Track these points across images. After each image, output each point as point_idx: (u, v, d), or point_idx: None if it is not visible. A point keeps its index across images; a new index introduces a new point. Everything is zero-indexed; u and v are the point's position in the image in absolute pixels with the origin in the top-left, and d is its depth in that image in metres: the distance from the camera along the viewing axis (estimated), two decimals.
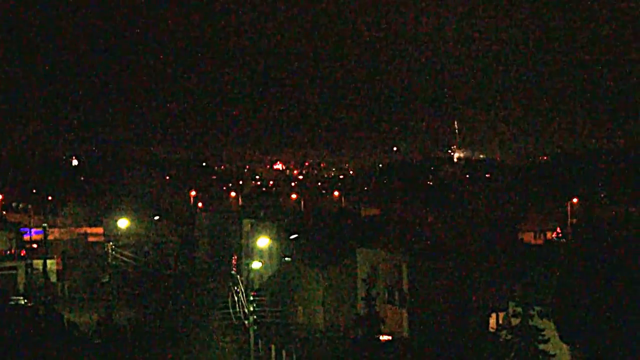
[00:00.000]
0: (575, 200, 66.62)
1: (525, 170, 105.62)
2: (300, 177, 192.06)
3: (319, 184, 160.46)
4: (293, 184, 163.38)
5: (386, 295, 37.71)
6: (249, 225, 58.05)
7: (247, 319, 32.36)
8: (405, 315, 36.43)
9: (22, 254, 51.66)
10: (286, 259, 46.96)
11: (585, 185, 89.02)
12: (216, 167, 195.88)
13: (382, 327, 29.58)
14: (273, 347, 33.57)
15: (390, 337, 35.01)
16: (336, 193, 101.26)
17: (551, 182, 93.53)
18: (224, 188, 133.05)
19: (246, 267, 53.35)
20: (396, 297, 37.78)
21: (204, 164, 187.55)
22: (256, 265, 47.32)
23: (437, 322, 35.95)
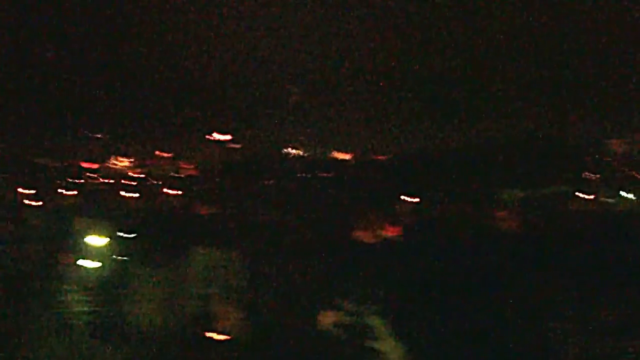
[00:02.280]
0: (410, 198, 67.85)
1: (362, 168, 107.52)
2: (142, 175, 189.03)
3: (161, 182, 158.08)
4: (134, 182, 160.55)
5: (222, 294, 37.53)
6: (83, 224, 56.63)
7: (80, 319, 31.67)
8: (241, 314, 36.29)
9: None
10: (121, 258, 46.19)
11: (421, 184, 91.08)
12: (49, 163, 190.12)
13: (217, 326, 29.47)
14: (106, 346, 32.87)
15: (225, 337, 34.85)
16: (176, 191, 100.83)
17: (388, 181, 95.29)
18: (58, 185, 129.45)
19: (79, 266, 52.06)
20: (232, 296, 37.66)
21: (35, 159, 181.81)
22: (90, 264, 46.35)
23: (272, 321, 36.07)
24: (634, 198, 65.32)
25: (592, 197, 68.51)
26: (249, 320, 33.37)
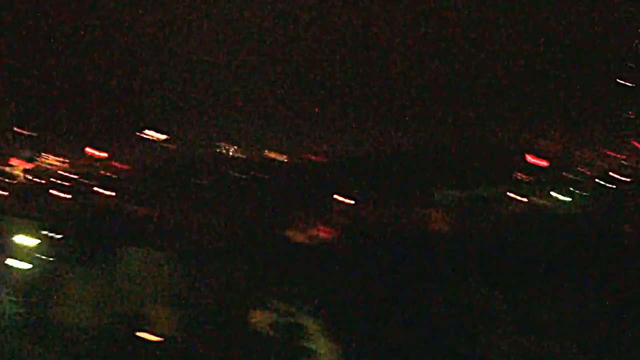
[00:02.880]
0: (345, 199, 67.70)
1: (297, 169, 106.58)
2: (74, 174, 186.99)
3: (93, 181, 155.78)
4: (66, 182, 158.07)
5: (154, 294, 37.23)
6: (13, 224, 55.72)
7: (9, 320, 31.21)
8: (174, 314, 36.03)
9: None
10: (51, 258, 45.63)
11: (355, 185, 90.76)
12: None
13: (150, 326, 29.20)
14: (36, 347, 32.52)
15: (157, 337, 34.57)
16: (109, 191, 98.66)
17: (322, 182, 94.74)
18: None
19: (9, 267, 51.25)
20: (165, 297, 37.39)
21: None
22: (19, 265, 45.69)
23: (205, 321, 35.85)
24: (564, 198, 65.99)
25: (524, 198, 68.87)
26: (182, 321, 32.99)
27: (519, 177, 77.40)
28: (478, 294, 29.70)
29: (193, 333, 33.42)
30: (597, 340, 29.50)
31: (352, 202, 76.19)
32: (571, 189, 71.99)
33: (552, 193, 69.81)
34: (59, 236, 48.43)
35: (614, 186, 76.56)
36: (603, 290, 30.91)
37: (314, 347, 24.92)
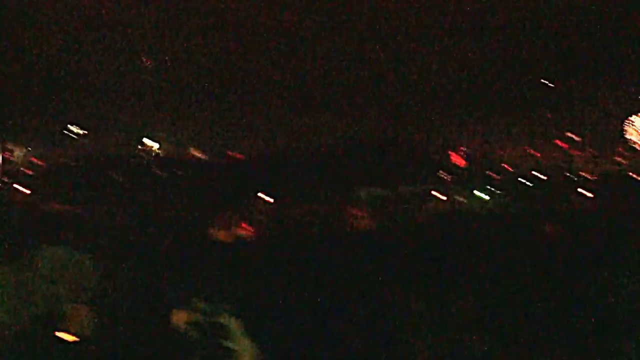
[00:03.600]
0: (267, 197, 67.66)
1: (218, 166, 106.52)
2: None
3: (7, 178, 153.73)
4: None
5: (71, 294, 36.57)
6: None
7: None
8: (92, 314, 35.44)
9: None
10: None
11: (277, 182, 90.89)
12: None
13: (67, 326, 28.65)
14: None
15: (75, 338, 33.98)
16: (25, 188, 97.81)
17: (244, 179, 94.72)
18: None
19: None
20: (83, 296, 36.74)
21: None
22: None
23: (125, 321, 35.34)
24: (485, 197, 66.95)
25: (446, 196, 69.70)
26: (101, 321, 32.52)
27: (441, 176, 78.55)
28: (398, 294, 29.79)
29: (113, 333, 32.90)
30: (516, 340, 29.81)
31: (274, 200, 76.31)
32: (493, 187, 73.11)
33: (474, 192, 70.81)
34: None
35: (536, 185, 77.91)
36: (522, 290, 31.25)
37: (235, 347, 24.66)
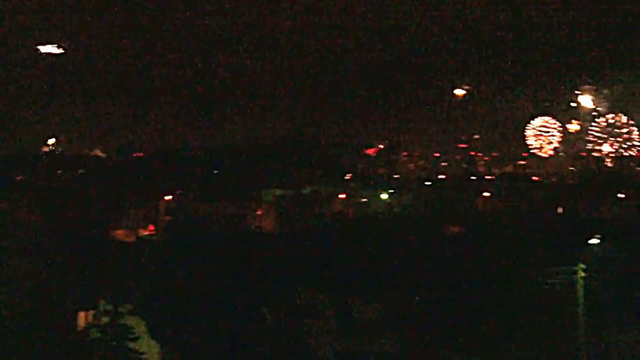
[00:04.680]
0: (169, 197, 67.06)
1: (120, 166, 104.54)
2: None
3: None
4: None
5: None
6: None
7: None
8: None
9: None
10: None
11: (180, 181, 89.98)
12: None
13: None
14: None
15: None
16: None
17: (146, 179, 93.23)
18: None
19: None
20: None
21: None
22: None
23: (25, 322, 34.48)
24: (387, 198, 67.41)
25: (350, 197, 69.68)
26: (2, 323, 31.44)
27: (345, 177, 77.78)
28: (302, 293, 29.81)
29: (11, 334, 32.11)
30: (419, 336, 30.05)
31: (177, 199, 75.68)
32: (395, 188, 73.74)
33: (377, 192, 71.37)
34: None
35: (438, 185, 78.62)
36: (423, 287, 31.51)
37: (138, 347, 24.34)
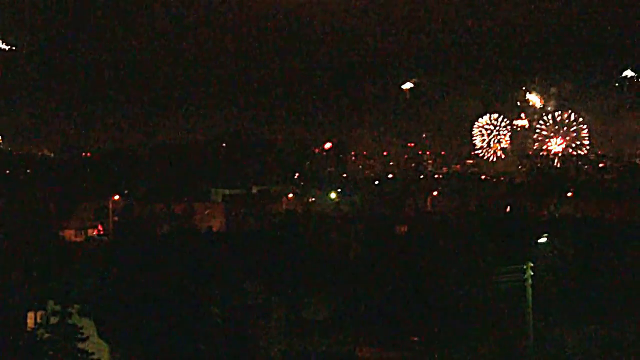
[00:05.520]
0: (117, 197, 66.68)
1: (68, 165, 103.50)
2: None
3: None
4: None
5: None
6: None
7: None
8: None
9: None
10: None
11: (127, 181, 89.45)
12: None
13: None
14: None
15: None
16: None
17: (95, 179, 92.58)
18: None
19: None
20: None
21: None
22: None
23: None
24: (335, 197, 67.63)
25: (298, 196, 69.67)
26: None
27: (296, 177, 77.92)
28: (251, 292, 29.77)
29: None
30: (370, 335, 30.14)
31: (126, 199, 75.23)
32: (344, 188, 74.00)
33: (326, 192, 71.62)
34: None
35: (386, 185, 78.90)
36: (372, 286, 31.60)
37: (87, 347, 24.08)
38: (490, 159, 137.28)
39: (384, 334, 31.38)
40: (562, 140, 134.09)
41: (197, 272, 30.67)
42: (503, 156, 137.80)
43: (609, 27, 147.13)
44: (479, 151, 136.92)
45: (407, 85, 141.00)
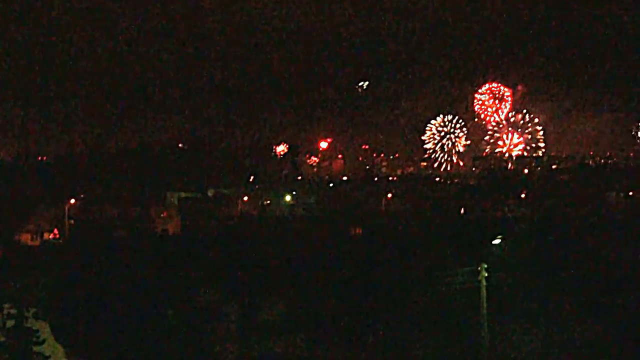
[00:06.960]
0: (72, 201, 66.26)
1: (23, 169, 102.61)
2: None
3: None
4: None
5: None
6: None
7: None
8: None
9: None
10: None
11: (83, 185, 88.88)
12: None
13: None
14: None
15: None
16: None
17: (51, 183, 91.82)
18: None
19: None
20: None
21: None
22: None
23: None
24: (290, 200, 67.73)
25: (253, 199, 69.59)
26: None
27: (251, 180, 77.86)
28: (206, 294, 29.81)
29: None
30: (323, 337, 30.25)
31: (82, 202, 74.71)
32: (301, 190, 74.07)
33: (280, 194, 71.70)
34: None
35: (341, 187, 78.95)
36: (327, 288, 31.72)
37: (46, 351, 24.02)
38: (444, 160, 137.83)
39: (340, 335, 31.49)
40: (517, 142, 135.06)
41: (152, 275, 30.65)
42: (456, 158, 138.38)
43: (561, 28, 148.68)
44: (433, 153, 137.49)
45: (362, 84, 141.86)
